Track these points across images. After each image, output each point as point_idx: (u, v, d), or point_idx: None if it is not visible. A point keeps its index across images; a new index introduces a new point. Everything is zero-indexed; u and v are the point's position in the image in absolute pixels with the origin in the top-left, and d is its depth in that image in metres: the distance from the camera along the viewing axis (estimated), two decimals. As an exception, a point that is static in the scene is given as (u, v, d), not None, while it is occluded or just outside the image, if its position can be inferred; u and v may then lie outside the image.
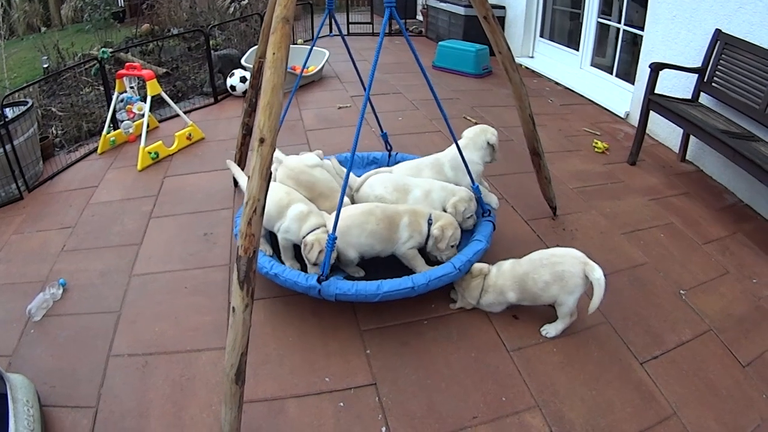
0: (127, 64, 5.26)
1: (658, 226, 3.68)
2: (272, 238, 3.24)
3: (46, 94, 6.73)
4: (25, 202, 4.45)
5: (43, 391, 2.43)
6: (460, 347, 2.67)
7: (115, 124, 5.35)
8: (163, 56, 7.38)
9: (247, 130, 3.94)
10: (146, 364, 2.58)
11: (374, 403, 2.37)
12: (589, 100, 5.82)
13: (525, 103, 3.30)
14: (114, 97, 5.17)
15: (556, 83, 6.43)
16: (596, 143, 4.77)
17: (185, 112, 6.06)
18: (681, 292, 3.06)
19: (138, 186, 4.55)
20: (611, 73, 5.89)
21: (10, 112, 4.60)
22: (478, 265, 2.85)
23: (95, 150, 5.24)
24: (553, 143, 4.90)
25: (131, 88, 5.25)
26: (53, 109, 6.03)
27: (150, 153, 4.85)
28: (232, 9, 8.75)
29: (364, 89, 3.11)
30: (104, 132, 5.15)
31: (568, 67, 6.50)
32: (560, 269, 2.61)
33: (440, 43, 7.04)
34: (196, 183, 4.43)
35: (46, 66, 6.94)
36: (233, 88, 6.25)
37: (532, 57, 7.13)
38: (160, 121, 5.73)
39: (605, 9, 6.04)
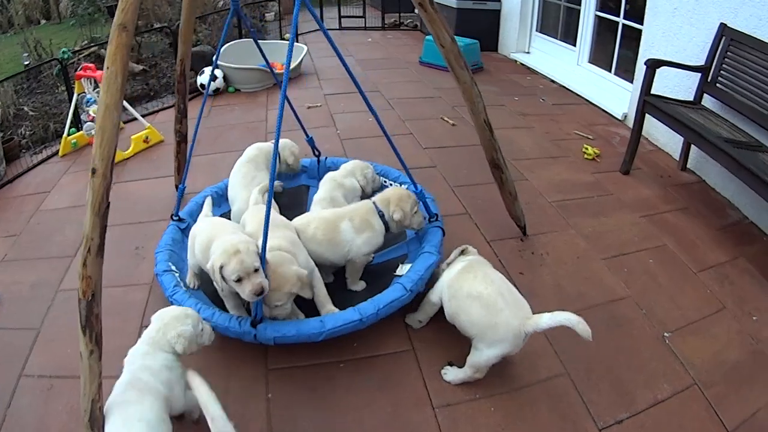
0: (84, 65, 4.90)
1: (647, 249, 3.15)
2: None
3: (25, 92, 6.41)
4: None
5: None
6: (376, 399, 2.23)
7: (78, 125, 5.01)
8: (143, 52, 6.97)
9: (180, 137, 3.72)
10: (51, 387, 2.37)
11: None
12: (585, 99, 5.26)
13: (478, 107, 2.79)
14: (74, 99, 4.83)
15: (552, 81, 5.86)
16: (586, 148, 4.23)
17: (154, 112, 5.71)
18: (665, 334, 2.54)
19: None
20: (610, 71, 5.30)
21: None
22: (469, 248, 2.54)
23: (58, 152, 4.91)
24: (536, 148, 4.37)
25: (95, 90, 4.89)
26: (25, 108, 5.71)
27: (103, 157, 4.47)
28: (222, 3, 8.33)
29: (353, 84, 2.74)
30: (65, 134, 4.82)
31: (565, 64, 5.94)
32: (497, 319, 2.11)
33: (427, 37, 6.52)
34: (141, 190, 4.09)
35: (26, 63, 6.59)
36: (203, 86, 5.84)
37: (528, 53, 6.58)
38: (125, 122, 5.34)
39: (604, 1, 5.47)
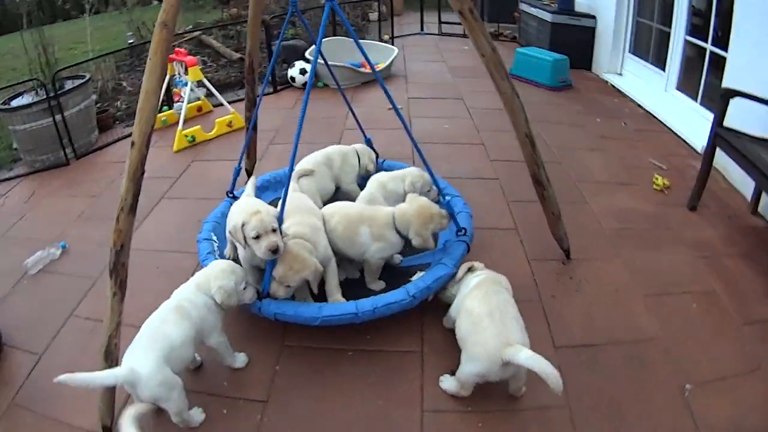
0: (176, 49, 5.28)
1: (694, 292, 2.92)
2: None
3: (126, 68, 6.96)
4: (71, 168, 4.74)
5: (9, 333, 2.79)
6: (372, 390, 2.34)
7: (170, 104, 5.40)
8: (243, 41, 7.32)
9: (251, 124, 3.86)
10: (93, 329, 2.62)
11: (255, 420, 2.23)
12: (669, 128, 4.91)
13: (520, 119, 2.73)
14: (166, 80, 5.21)
15: (639, 105, 5.51)
16: (656, 178, 3.98)
17: (242, 99, 6.01)
18: (686, 386, 2.34)
19: (167, 166, 4.59)
20: (696, 100, 4.91)
21: (70, 84, 4.82)
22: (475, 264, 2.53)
23: (145, 127, 5.32)
24: (606, 173, 4.17)
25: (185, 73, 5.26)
26: (124, 84, 6.21)
27: (187, 136, 4.85)
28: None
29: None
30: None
31: (653, 89, 5.55)
32: (477, 336, 2.13)
33: (517, 49, 6.38)
34: (217, 170, 4.37)
35: (130, 42, 7.13)
36: (293, 79, 6.10)
37: (620, 74, 6.20)
38: (215, 106, 5.67)
39: (696, 25, 5.05)
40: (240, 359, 2.45)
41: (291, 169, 2.45)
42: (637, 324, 2.70)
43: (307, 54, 6.25)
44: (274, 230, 2.34)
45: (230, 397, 2.33)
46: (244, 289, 2.33)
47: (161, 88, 2.19)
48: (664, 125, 4.99)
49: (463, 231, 2.83)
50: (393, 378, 2.39)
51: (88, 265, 3.31)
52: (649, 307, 2.80)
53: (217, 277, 2.26)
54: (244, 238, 2.36)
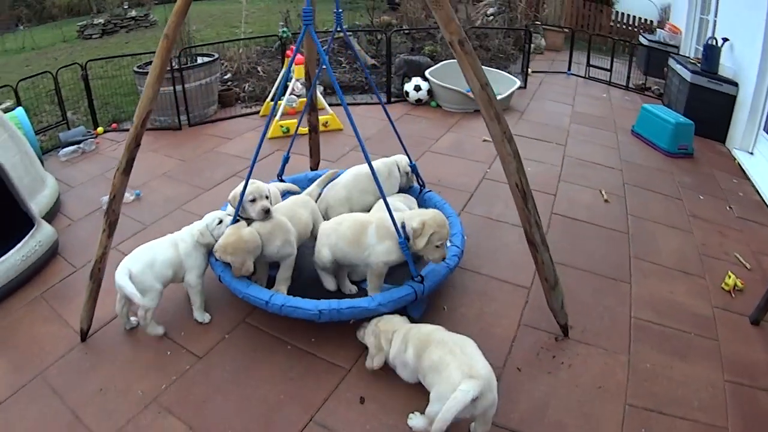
0: (291, 46, 5.48)
1: (697, 422, 2.29)
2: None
3: (269, 54, 7.31)
4: (180, 132, 5.24)
5: (65, 246, 3.44)
6: (283, 383, 2.43)
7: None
8: (382, 48, 7.34)
9: (311, 127, 3.98)
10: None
11: (182, 368, 2.49)
12: (778, 224, 3.98)
13: (510, 168, 2.36)
14: (281, 73, 5.45)
15: (757, 191, 4.53)
16: (729, 276, 3.23)
17: (358, 104, 6.06)
18: None
19: (254, 150, 4.77)
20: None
21: (199, 60, 5.28)
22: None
23: (259, 111, 5.63)
24: (674, 256, 3.49)
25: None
26: (258, 68, 6.58)
27: (282, 127, 5.04)
28: (479, 21, 8.34)
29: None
30: (268, 99, 5.49)
31: None
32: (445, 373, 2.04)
33: (643, 105, 5.59)
34: (293, 162, 4.38)
35: (281, 31, 7.49)
36: (407, 93, 6.00)
37: (751, 153, 5.11)
38: (331, 105, 5.77)
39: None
40: (205, 317, 2.79)
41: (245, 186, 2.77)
42: (597, 433, 2.20)
43: (427, 72, 6.11)
44: (267, 197, 2.78)
45: (179, 344, 2.64)
46: (219, 223, 2.79)
47: (159, 83, 2.45)
48: (775, 219, 4.05)
49: (419, 278, 2.57)
50: (309, 381, 2.42)
51: (148, 213, 3.75)
52: (628, 422, 2.28)
53: (198, 224, 2.82)
54: (240, 202, 2.77)
